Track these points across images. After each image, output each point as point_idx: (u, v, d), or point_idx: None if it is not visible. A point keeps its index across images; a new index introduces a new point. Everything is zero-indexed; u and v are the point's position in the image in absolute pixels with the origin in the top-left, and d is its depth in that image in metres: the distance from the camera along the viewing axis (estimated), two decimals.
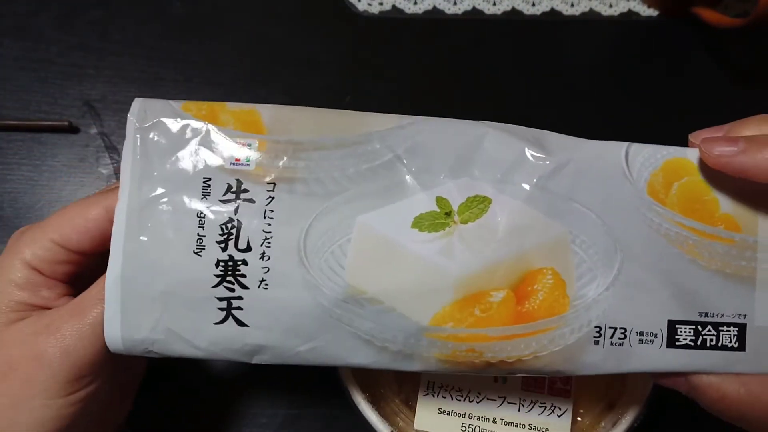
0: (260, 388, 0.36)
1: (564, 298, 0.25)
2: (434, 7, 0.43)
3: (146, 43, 0.42)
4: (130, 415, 0.33)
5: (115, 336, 0.25)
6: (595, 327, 0.25)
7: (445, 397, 0.31)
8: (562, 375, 0.26)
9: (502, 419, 0.31)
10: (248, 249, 0.24)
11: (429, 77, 0.42)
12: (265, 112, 0.26)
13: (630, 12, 0.43)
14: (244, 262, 0.24)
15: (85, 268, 0.27)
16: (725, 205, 0.26)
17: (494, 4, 0.43)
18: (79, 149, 0.40)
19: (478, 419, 0.31)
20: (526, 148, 0.25)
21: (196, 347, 0.25)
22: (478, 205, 0.25)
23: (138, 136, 0.25)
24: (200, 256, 0.24)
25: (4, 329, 0.25)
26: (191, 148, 0.25)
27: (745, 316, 0.26)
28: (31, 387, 0.24)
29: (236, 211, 0.25)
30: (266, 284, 0.24)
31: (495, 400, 0.31)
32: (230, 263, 0.24)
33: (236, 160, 0.25)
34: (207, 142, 0.25)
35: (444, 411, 0.31)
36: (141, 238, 0.24)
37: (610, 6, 0.43)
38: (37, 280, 0.26)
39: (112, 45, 0.41)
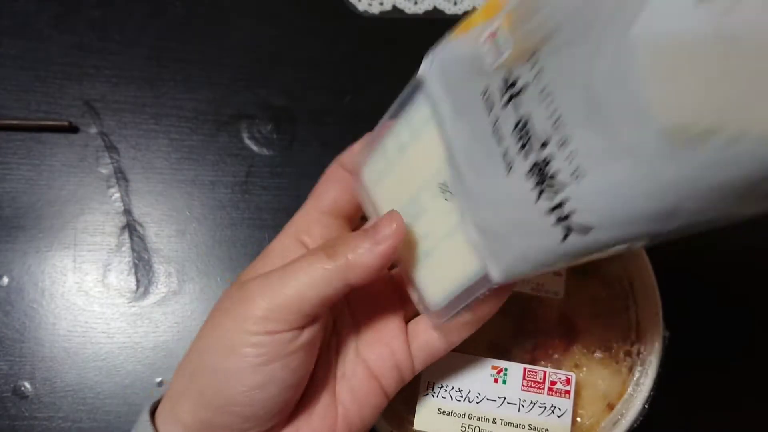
0: None
1: None
2: (434, 7, 0.43)
3: (146, 43, 0.42)
4: None
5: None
6: None
7: (444, 398, 0.31)
8: None
9: (502, 419, 0.31)
10: (545, 144, 0.20)
11: None
12: None
13: None
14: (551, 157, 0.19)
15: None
16: None
17: None
18: (78, 149, 0.40)
19: (478, 419, 0.31)
20: None
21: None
22: None
23: (440, 79, 0.23)
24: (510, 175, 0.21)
25: None
26: (473, 68, 0.22)
27: None
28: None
29: (516, 107, 0.20)
30: (579, 173, 0.19)
31: (495, 400, 0.31)
32: (539, 167, 0.20)
33: (495, 55, 0.21)
34: (468, 57, 0.22)
35: (444, 411, 0.31)
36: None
37: None
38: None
39: (112, 45, 0.41)
